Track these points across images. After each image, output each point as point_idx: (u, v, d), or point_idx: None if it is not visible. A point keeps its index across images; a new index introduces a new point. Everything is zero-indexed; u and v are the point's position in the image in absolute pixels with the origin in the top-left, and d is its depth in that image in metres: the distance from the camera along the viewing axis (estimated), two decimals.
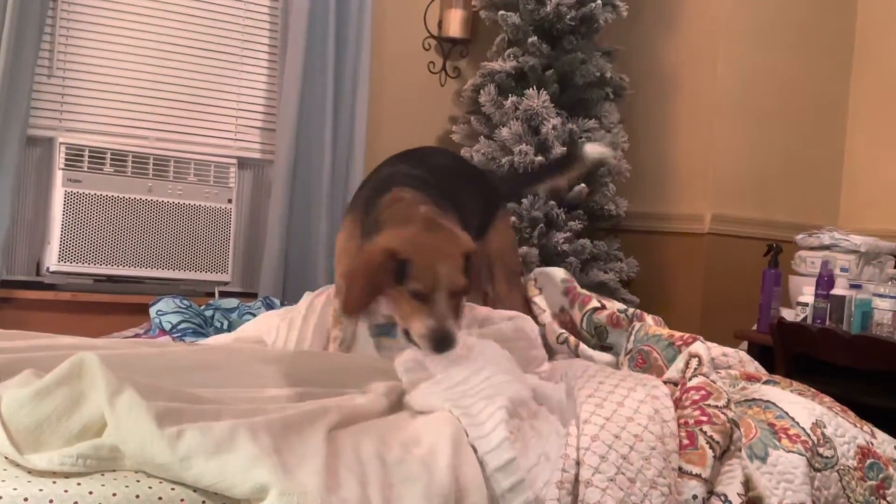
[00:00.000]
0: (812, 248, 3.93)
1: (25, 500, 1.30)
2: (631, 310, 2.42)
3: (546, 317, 2.47)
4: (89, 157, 3.93)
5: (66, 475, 1.36)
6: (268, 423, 1.52)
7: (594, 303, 2.46)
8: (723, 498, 1.68)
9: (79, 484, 1.35)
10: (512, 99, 4.21)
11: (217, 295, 4.07)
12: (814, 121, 4.61)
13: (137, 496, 1.37)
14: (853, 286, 3.52)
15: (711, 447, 1.72)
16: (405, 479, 1.51)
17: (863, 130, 4.60)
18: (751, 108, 4.47)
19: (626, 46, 4.62)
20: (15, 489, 1.31)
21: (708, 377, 1.93)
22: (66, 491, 1.33)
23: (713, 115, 4.45)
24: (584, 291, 2.54)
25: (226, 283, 4.21)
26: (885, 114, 4.44)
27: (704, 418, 1.78)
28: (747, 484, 1.74)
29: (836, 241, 3.84)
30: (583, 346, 2.38)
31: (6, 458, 1.37)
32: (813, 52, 4.59)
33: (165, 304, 3.21)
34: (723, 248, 4.40)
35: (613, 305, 2.46)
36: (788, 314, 3.76)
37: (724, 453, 1.75)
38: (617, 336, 2.36)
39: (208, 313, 3.27)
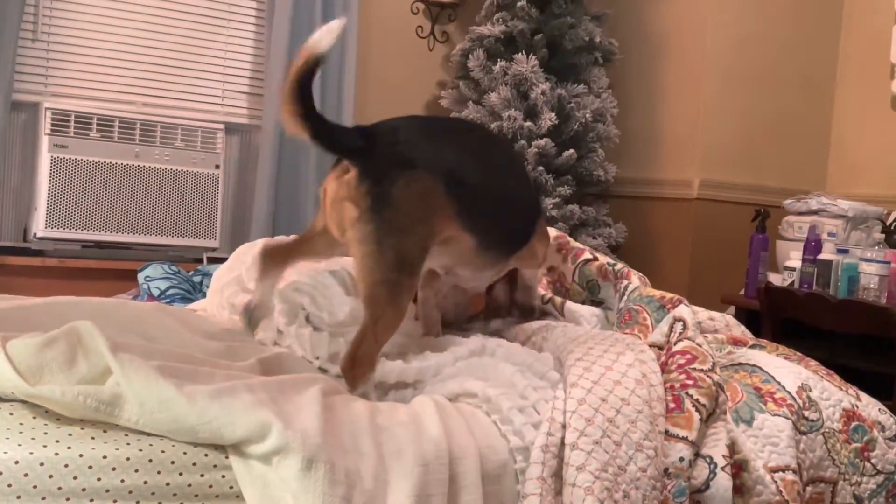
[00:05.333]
0: (800, 214, 3.94)
1: (41, 464, 1.32)
2: (618, 265, 2.42)
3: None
4: (75, 122, 3.90)
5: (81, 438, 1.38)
6: (263, 383, 1.56)
7: (587, 254, 2.45)
8: (708, 460, 1.69)
9: (93, 449, 1.36)
10: (501, 64, 4.19)
11: (205, 261, 4.07)
12: (802, 86, 4.61)
13: (150, 460, 1.39)
14: (840, 251, 3.54)
15: (698, 410, 1.73)
16: (398, 437, 1.54)
17: (851, 96, 4.59)
18: (740, 74, 4.47)
19: (616, 11, 4.59)
20: (31, 453, 1.33)
21: (693, 340, 1.94)
22: (80, 455, 1.35)
23: (702, 80, 4.44)
24: (577, 245, 2.51)
25: (214, 249, 4.21)
26: (872, 79, 4.44)
27: (690, 382, 1.79)
28: (732, 447, 1.75)
29: (824, 206, 3.85)
30: (569, 305, 2.37)
31: (20, 423, 1.39)
32: (801, 18, 4.58)
33: (154, 270, 3.21)
34: (711, 214, 4.41)
35: (601, 259, 2.45)
36: (776, 279, 3.78)
37: (709, 416, 1.76)
38: (606, 290, 2.36)
39: (196, 279, 3.28)
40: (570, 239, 2.56)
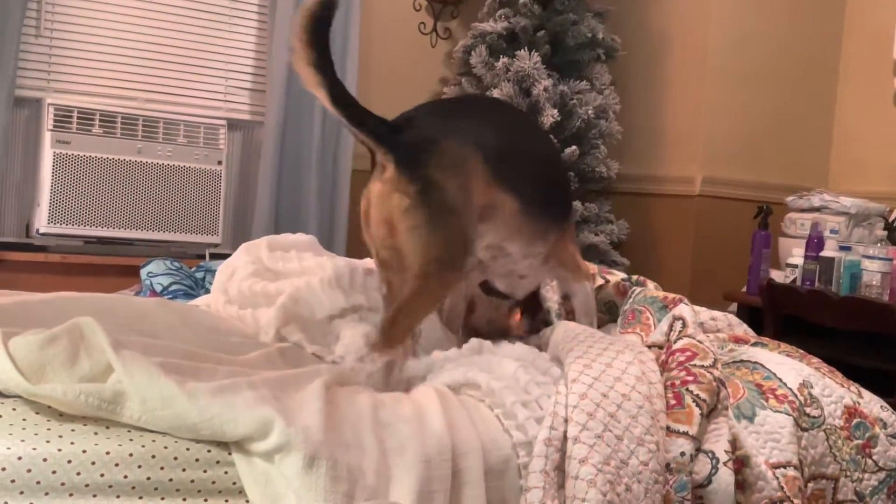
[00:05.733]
0: (802, 210, 3.94)
1: (44, 460, 1.32)
2: (634, 277, 2.42)
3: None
4: (78, 118, 3.90)
5: (83, 434, 1.38)
6: (265, 379, 1.57)
7: (598, 280, 2.45)
8: (710, 455, 1.70)
9: (96, 444, 1.37)
10: (503, 60, 4.18)
11: (208, 257, 4.07)
12: (804, 82, 4.60)
13: (153, 456, 1.39)
14: (842, 248, 3.54)
15: (698, 405, 1.73)
16: (400, 433, 1.54)
17: (853, 92, 4.59)
18: (742, 70, 4.46)
19: (618, 8, 4.59)
20: (34, 449, 1.33)
21: (694, 338, 1.94)
22: (84, 451, 1.35)
23: (704, 76, 4.44)
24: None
25: (216, 245, 4.21)
26: (875, 75, 4.44)
27: (690, 378, 1.79)
28: (734, 443, 1.75)
29: (826, 202, 3.85)
30: None
31: (23, 419, 1.39)
32: (804, 14, 4.57)
33: (156, 266, 3.21)
34: (713, 210, 4.41)
35: (615, 276, 2.45)
36: (778, 276, 3.78)
37: (711, 411, 1.76)
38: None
39: (199, 275, 3.27)
40: None
